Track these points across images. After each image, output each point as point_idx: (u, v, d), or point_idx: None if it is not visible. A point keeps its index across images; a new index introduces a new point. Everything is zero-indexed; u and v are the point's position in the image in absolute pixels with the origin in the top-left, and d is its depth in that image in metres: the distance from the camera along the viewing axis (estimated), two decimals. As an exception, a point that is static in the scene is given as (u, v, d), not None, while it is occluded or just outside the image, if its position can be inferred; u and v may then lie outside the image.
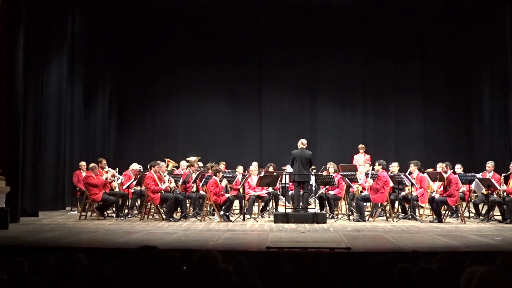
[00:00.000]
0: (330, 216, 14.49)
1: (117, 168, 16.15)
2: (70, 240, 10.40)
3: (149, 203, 14.42)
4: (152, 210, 14.65)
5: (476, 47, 20.13)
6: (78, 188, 15.78)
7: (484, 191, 14.10)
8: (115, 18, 20.18)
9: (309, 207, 14.84)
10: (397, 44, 21.25)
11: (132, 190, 14.92)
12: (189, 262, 4.90)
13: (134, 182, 14.74)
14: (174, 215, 14.18)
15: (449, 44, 20.96)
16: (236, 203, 15.26)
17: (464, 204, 14.82)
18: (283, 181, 15.85)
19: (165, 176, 14.60)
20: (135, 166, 15.55)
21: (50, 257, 5.44)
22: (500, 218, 13.84)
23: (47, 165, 16.22)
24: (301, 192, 14.28)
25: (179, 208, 14.47)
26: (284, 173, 15.80)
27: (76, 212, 15.33)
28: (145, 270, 2.99)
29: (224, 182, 14.55)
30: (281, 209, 15.26)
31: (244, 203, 14.61)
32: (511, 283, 3.47)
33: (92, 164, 14.77)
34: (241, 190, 14.74)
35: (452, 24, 20.85)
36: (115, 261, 4.93)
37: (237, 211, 15.24)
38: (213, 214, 14.50)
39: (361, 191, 14.95)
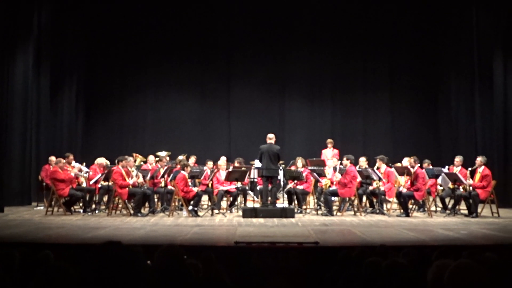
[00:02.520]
0: (299, 211, 14.52)
1: (84, 163, 16.01)
2: (36, 236, 10.28)
3: (116, 198, 14.32)
4: (120, 205, 14.55)
5: (443, 44, 20.33)
6: (44, 184, 15.59)
7: (450, 185, 14.24)
8: (83, 11, 19.94)
9: (277, 201, 14.85)
10: (365, 40, 21.39)
11: (99, 185, 14.82)
12: (153, 257, 4.88)
13: (102, 177, 14.64)
14: (142, 210, 14.09)
15: (417, 41, 21.14)
16: (205, 198, 15.22)
17: (431, 198, 14.95)
18: (252, 176, 15.84)
19: (133, 171, 14.51)
20: (100, 161, 15.46)
21: (16, 253, 5.36)
22: (466, 212, 13.97)
23: (13, 160, 16.04)
24: (270, 187, 14.28)
25: (147, 203, 14.39)
26: (253, 168, 15.79)
27: (42, 207, 15.16)
28: (109, 265, 2.96)
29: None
30: (249, 204, 15.28)
31: (213, 198, 14.60)
32: (482, 276, 3.51)
33: (58, 159, 14.63)
34: (209, 185, 14.72)
35: (420, 21, 21.00)
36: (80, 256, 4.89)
37: (206, 206, 15.21)
38: (182, 209, 14.45)
39: (329, 186, 14.99)
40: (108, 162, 15.83)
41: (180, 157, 16.57)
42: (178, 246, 4.85)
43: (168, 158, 16.76)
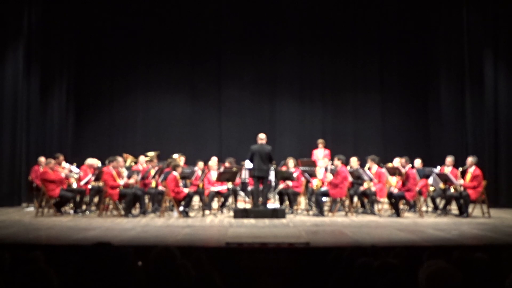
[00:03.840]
0: (290, 212, 14.51)
1: (75, 164, 15.95)
2: (26, 237, 10.23)
3: (107, 199, 14.26)
4: (111, 206, 14.50)
5: (434, 44, 20.35)
6: (34, 185, 15.50)
7: (441, 185, 14.24)
8: (72, 12, 19.90)
9: (268, 202, 14.83)
10: (355, 41, 21.44)
11: (90, 186, 14.77)
12: (148, 258, 4.86)
13: (93, 178, 14.60)
14: (133, 211, 14.06)
15: (407, 41, 21.20)
16: (196, 198, 15.19)
17: (422, 198, 14.96)
18: (243, 177, 15.83)
19: (123, 171, 14.48)
20: (91, 161, 15.42)
21: (6, 254, 5.33)
22: (457, 212, 13.99)
23: (3, 161, 15.98)
24: (261, 187, 14.25)
25: (137, 204, 14.34)
26: (244, 168, 15.78)
27: (32, 208, 15.10)
28: (99, 266, 2.95)
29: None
30: (240, 205, 15.27)
31: (204, 198, 14.58)
32: (457, 278, 3.52)
33: (48, 160, 14.55)
34: (200, 186, 14.69)
35: (410, 21, 21.06)
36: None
37: (197, 207, 15.19)
38: (172, 210, 14.41)
39: (320, 186, 14.97)
40: (99, 163, 15.79)
41: (176, 155, 16.53)
42: (174, 248, 4.85)
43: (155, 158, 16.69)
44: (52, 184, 13.95)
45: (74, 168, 15.54)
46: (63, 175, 14.49)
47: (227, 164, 16.11)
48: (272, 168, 14.96)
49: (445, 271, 3.59)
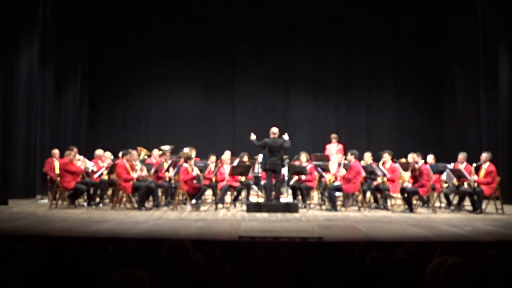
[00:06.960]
0: (303, 206, 14.51)
1: (82, 156, 15.89)
2: (40, 229, 10.28)
3: (120, 192, 14.30)
4: (124, 199, 14.54)
5: (448, 39, 20.25)
6: (49, 177, 15.54)
7: (455, 181, 14.19)
8: (86, 5, 19.94)
9: (281, 196, 14.82)
10: (369, 35, 21.37)
11: (99, 176, 14.82)
12: (160, 252, 4.88)
13: (106, 171, 14.68)
14: (146, 204, 14.10)
15: (421, 36, 21.11)
16: (209, 192, 15.20)
17: (435, 194, 14.92)
18: (256, 170, 15.83)
19: (136, 164, 14.51)
20: (98, 152, 15.52)
21: (20, 245, 5.36)
22: (470, 208, 13.94)
23: (17, 153, 16.07)
24: (273, 181, 14.24)
25: (151, 197, 14.38)
26: (257, 162, 15.78)
27: (46, 201, 15.16)
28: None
29: (196, 171, 14.38)
30: (253, 199, 15.27)
31: (217, 192, 14.59)
32: (475, 275, 3.51)
33: (68, 151, 14.51)
34: (213, 179, 14.70)
35: (424, 16, 20.97)
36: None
37: (210, 201, 15.21)
38: (185, 203, 14.44)
39: (333, 181, 14.94)
40: (112, 156, 15.84)
41: (186, 149, 16.55)
42: (187, 241, 4.86)
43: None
44: (70, 176, 13.98)
45: (89, 162, 15.57)
46: (82, 167, 14.57)
47: (245, 158, 16.09)
48: (285, 162, 14.92)
49: (463, 266, 3.58)
